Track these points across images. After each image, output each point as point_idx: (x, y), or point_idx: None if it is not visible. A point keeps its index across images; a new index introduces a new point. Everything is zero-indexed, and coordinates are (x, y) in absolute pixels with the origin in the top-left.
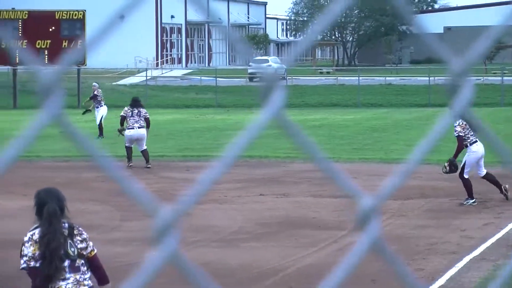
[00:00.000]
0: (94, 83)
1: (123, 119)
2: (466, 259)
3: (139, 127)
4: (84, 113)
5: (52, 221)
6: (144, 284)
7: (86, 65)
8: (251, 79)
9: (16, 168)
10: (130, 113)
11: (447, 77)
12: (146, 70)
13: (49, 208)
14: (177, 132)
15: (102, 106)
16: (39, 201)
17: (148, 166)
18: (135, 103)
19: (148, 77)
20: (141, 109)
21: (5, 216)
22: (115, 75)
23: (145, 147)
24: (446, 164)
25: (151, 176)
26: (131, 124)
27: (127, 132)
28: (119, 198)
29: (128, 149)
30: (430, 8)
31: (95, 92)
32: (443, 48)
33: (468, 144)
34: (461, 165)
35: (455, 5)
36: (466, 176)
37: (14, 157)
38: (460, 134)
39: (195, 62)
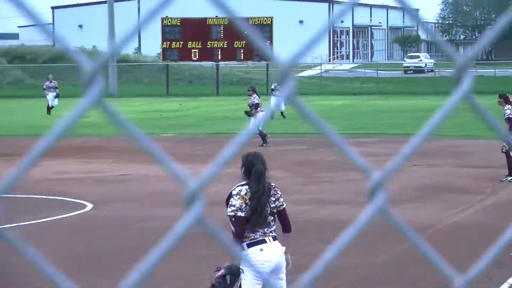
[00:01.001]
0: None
1: (258, 105)
2: None
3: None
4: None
5: (261, 180)
6: (359, 232)
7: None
8: (405, 71)
9: (217, 141)
10: (259, 100)
11: None
12: (320, 64)
13: (258, 169)
14: (347, 114)
15: (262, 111)
16: (247, 163)
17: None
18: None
19: (322, 70)
20: None
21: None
22: (297, 69)
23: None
24: (505, 143)
25: (328, 150)
26: (263, 109)
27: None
28: (300, 167)
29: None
30: None
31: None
32: None
33: None
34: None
35: None
36: None
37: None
38: (510, 116)
39: (360, 58)
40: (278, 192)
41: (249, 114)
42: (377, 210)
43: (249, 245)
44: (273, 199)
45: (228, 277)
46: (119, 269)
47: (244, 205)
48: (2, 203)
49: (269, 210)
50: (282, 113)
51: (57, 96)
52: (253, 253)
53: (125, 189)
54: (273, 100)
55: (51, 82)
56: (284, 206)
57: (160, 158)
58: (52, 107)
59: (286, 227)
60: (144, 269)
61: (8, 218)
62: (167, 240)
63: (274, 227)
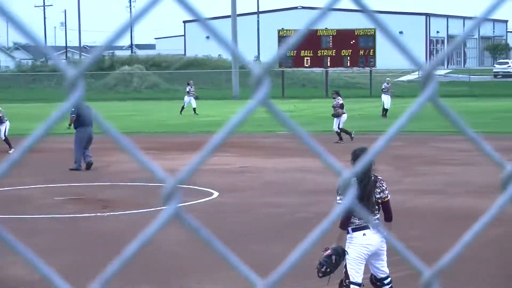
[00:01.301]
0: (387, 78)
1: (343, 105)
2: None
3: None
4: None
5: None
6: (493, 218)
7: (376, 66)
8: (495, 76)
9: (327, 138)
10: (343, 101)
11: None
12: (418, 70)
13: None
14: (439, 114)
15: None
16: (355, 156)
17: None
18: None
19: (420, 75)
20: None
21: (319, 173)
22: (397, 74)
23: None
24: None
25: (424, 146)
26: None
27: (345, 116)
28: (400, 161)
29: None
30: None
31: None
32: None
33: None
34: None
35: None
36: None
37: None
38: None
39: (453, 64)
40: (384, 184)
41: (334, 115)
42: (510, 198)
43: (354, 230)
44: (378, 190)
45: (333, 257)
46: (246, 250)
47: None
48: (180, 190)
49: (374, 199)
50: (386, 111)
51: (196, 98)
52: (357, 237)
53: (245, 179)
54: (384, 97)
55: (191, 87)
56: (388, 198)
57: (318, 151)
58: (195, 108)
59: (388, 216)
60: (307, 245)
61: (143, 204)
62: (325, 222)
63: (378, 215)
